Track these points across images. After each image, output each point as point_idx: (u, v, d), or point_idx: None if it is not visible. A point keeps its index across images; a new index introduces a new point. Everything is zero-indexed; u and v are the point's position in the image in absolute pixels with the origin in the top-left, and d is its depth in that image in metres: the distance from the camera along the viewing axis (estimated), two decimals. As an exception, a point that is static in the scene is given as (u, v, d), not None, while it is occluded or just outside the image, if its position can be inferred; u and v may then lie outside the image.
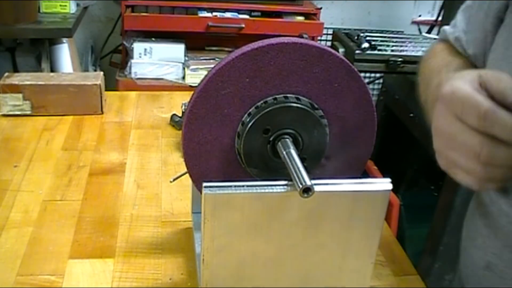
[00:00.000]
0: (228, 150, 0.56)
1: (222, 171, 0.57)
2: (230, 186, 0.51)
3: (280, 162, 0.54)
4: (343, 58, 0.53)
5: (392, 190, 0.54)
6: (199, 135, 0.55)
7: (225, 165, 0.57)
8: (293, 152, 0.52)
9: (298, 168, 0.50)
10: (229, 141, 0.55)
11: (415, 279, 0.69)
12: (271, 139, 0.54)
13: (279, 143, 0.54)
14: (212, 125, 0.54)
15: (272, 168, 0.56)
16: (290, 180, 0.51)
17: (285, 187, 0.51)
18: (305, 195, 0.49)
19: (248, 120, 0.54)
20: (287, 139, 0.54)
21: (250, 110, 0.54)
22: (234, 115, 0.54)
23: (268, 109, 0.53)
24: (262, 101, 0.54)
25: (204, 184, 0.50)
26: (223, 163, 0.57)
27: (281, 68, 0.52)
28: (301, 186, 0.48)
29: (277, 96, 0.53)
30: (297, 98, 0.54)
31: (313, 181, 0.49)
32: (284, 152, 0.53)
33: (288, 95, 0.54)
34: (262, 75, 0.52)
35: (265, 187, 0.51)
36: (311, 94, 0.54)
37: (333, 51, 0.53)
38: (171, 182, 0.78)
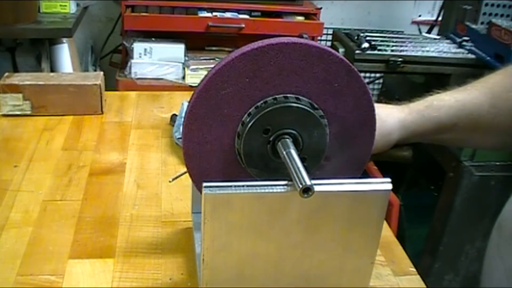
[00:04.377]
0: (228, 150, 0.56)
1: (222, 171, 0.57)
2: (230, 186, 0.51)
3: (280, 162, 0.54)
4: (343, 58, 0.53)
5: (392, 190, 0.54)
6: (199, 135, 0.55)
7: (225, 165, 0.57)
8: (293, 152, 0.52)
9: (298, 168, 0.50)
10: (229, 141, 0.55)
11: (415, 279, 0.69)
12: (271, 139, 0.54)
13: (279, 143, 0.54)
14: (212, 125, 0.54)
15: (272, 168, 0.56)
16: (290, 180, 0.51)
17: (285, 187, 0.51)
18: (305, 195, 0.49)
19: (248, 120, 0.54)
20: (287, 139, 0.54)
21: (250, 110, 0.54)
22: (234, 115, 0.54)
23: (268, 109, 0.53)
24: (262, 101, 0.53)
25: (204, 184, 0.50)
26: (223, 163, 0.57)
27: (281, 68, 0.52)
28: (301, 186, 0.48)
29: (277, 96, 0.53)
30: (297, 98, 0.54)
31: (313, 181, 0.49)
32: (284, 152, 0.53)
33: (288, 95, 0.54)
34: (262, 75, 0.52)
35: (265, 187, 0.51)
36: (311, 94, 0.54)
37: (333, 51, 0.53)
38: (170, 182, 0.78)
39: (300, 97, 0.54)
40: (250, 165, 0.56)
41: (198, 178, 0.57)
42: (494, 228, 0.70)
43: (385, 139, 0.67)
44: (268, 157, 0.55)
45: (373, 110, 0.57)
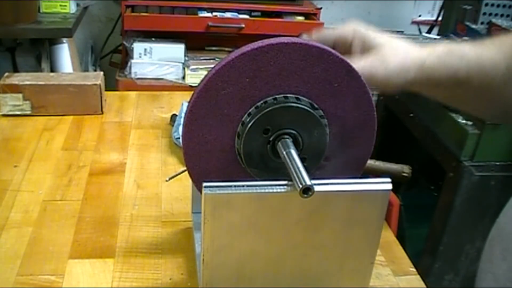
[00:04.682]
0: (228, 150, 0.56)
1: (222, 171, 0.57)
2: (230, 186, 0.51)
3: (280, 162, 0.54)
4: (343, 58, 0.53)
5: (392, 190, 0.54)
6: (199, 135, 0.55)
7: (225, 165, 0.57)
8: (293, 152, 0.52)
9: (298, 168, 0.50)
10: (229, 141, 0.55)
11: (415, 279, 0.69)
12: (271, 139, 0.54)
13: (279, 143, 0.54)
14: (212, 125, 0.54)
15: (272, 168, 0.56)
16: (290, 180, 0.51)
17: (285, 187, 0.51)
18: (305, 195, 0.49)
19: (248, 120, 0.54)
20: (287, 139, 0.54)
21: (250, 110, 0.54)
22: (234, 115, 0.54)
23: (268, 109, 0.53)
24: (262, 101, 0.53)
25: (204, 184, 0.50)
26: (223, 163, 0.57)
27: (281, 68, 0.52)
28: (301, 186, 0.48)
29: (277, 96, 0.53)
30: (297, 98, 0.54)
31: (313, 181, 0.49)
32: (284, 152, 0.53)
33: (288, 95, 0.54)
34: (262, 75, 0.52)
35: (265, 187, 0.51)
36: (311, 94, 0.54)
37: (333, 51, 0.53)
38: (166, 181, 0.78)
39: (300, 97, 0.54)
40: (250, 165, 0.56)
41: (198, 178, 0.57)
42: (486, 243, 0.69)
43: (403, 76, 0.60)
44: (268, 157, 0.55)
45: (373, 110, 0.57)
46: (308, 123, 0.54)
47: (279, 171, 0.55)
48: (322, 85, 0.54)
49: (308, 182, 0.48)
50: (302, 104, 0.53)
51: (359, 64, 0.56)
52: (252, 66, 0.52)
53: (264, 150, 0.55)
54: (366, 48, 0.59)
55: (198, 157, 0.56)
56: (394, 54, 0.58)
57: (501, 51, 0.63)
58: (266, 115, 0.53)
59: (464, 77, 0.62)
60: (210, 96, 0.53)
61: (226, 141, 0.55)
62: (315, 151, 0.56)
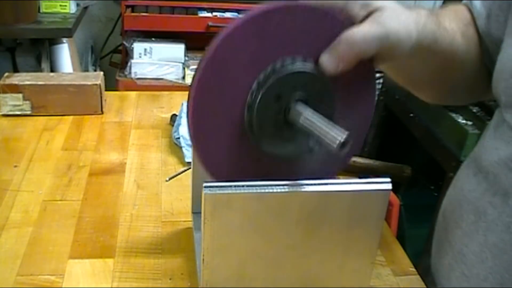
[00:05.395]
0: (238, 123, 0.53)
1: (231, 144, 0.54)
2: (230, 186, 0.51)
3: (293, 131, 0.52)
4: (347, 17, 0.52)
5: (392, 190, 0.54)
6: (208, 108, 0.52)
7: (235, 139, 0.54)
8: (312, 112, 0.50)
9: (328, 124, 0.48)
10: (239, 113, 0.53)
11: (415, 279, 0.69)
12: (283, 105, 0.52)
13: (293, 108, 0.52)
14: (220, 97, 0.52)
15: (285, 138, 0.54)
16: (308, 149, 0.49)
17: (285, 187, 0.51)
18: (343, 149, 0.46)
19: (257, 88, 0.51)
20: (300, 103, 0.52)
21: (259, 78, 0.51)
22: (243, 84, 0.52)
23: (277, 76, 0.51)
24: (270, 68, 0.51)
25: (204, 184, 0.50)
26: (232, 137, 0.54)
27: (287, 31, 0.51)
28: (338, 141, 0.46)
29: (284, 61, 0.51)
30: (304, 61, 0.52)
31: (312, 181, 0.49)
32: (303, 115, 0.51)
33: (296, 58, 0.52)
34: (269, 39, 0.50)
35: (265, 187, 0.51)
36: (316, 56, 0.52)
37: (336, 12, 0.52)
38: (166, 181, 0.78)
39: (307, 60, 0.52)
40: (262, 136, 0.53)
41: (206, 155, 0.54)
42: (439, 215, 0.69)
43: (408, 40, 0.54)
44: (281, 126, 0.53)
45: (374, 69, 0.56)
46: (316, 86, 0.52)
47: (292, 140, 0.53)
48: (327, 45, 0.52)
49: (344, 135, 0.46)
50: (309, 68, 0.51)
51: (363, 30, 0.50)
52: (257, 31, 0.50)
53: (277, 118, 0.53)
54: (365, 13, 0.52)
55: (207, 132, 0.53)
56: (396, 16, 0.52)
57: (455, 23, 0.63)
58: (276, 82, 0.51)
59: (440, 43, 0.60)
60: (218, 65, 0.50)
61: (237, 113, 0.52)
62: (324, 115, 0.53)
